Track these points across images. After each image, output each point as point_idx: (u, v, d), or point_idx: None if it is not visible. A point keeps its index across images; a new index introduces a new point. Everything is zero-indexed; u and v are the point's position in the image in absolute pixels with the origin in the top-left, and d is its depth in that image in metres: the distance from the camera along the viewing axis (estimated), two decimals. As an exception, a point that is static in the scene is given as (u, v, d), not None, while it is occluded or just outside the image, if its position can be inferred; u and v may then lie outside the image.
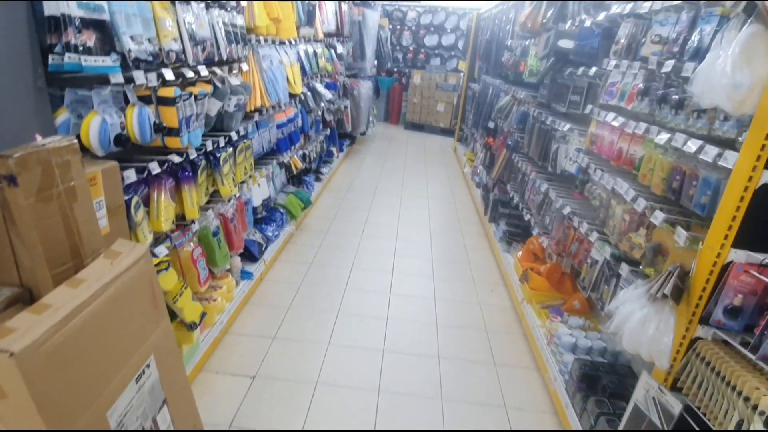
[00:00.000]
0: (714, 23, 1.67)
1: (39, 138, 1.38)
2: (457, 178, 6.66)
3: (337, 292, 3.39)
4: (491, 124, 5.33)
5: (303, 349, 2.74)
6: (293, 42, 3.94)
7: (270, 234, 3.65)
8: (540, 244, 3.35)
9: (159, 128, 1.96)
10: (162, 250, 2.12)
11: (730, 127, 1.51)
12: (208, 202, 2.67)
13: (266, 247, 3.54)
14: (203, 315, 2.35)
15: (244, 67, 2.92)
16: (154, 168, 2.02)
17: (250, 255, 3.33)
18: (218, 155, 2.58)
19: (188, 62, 2.19)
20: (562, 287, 3.13)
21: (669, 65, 1.87)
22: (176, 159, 2.17)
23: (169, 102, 2.00)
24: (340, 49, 5.88)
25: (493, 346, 2.95)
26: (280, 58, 3.58)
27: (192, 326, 2.25)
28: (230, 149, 2.74)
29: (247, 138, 3.03)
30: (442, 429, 2.26)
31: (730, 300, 1.34)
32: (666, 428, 1.51)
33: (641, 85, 2.12)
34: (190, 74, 2.22)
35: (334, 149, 6.17)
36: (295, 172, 4.33)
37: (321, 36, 4.82)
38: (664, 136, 1.85)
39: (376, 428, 2.23)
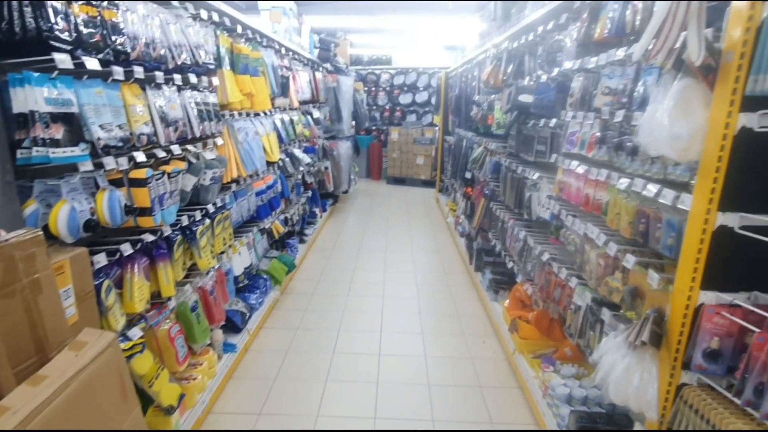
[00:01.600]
0: (655, 75, 1.78)
1: (2, 233, 1.37)
2: (440, 229, 6.71)
3: (325, 358, 3.29)
4: (468, 175, 5.46)
5: (291, 424, 2.61)
6: (268, 113, 4.08)
7: (254, 302, 3.59)
8: (525, 292, 3.34)
9: (130, 210, 1.97)
10: (136, 333, 2.06)
11: (682, 171, 1.57)
12: (186, 276, 2.63)
13: (250, 316, 3.46)
14: (182, 397, 2.24)
15: (219, 141, 2.99)
16: (126, 249, 2.00)
17: (233, 326, 3.25)
18: (195, 229, 2.58)
19: (160, 143, 2.24)
20: (552, 334, 3.08)
21: (620, 115, 1.97)
22: (149, 238, 2.17)
23: (141, 183, 2.03)
24: (316, 114, 6.08)
25: (489, 403, 2.85)
26: (256, 129, 3.68)
27: (169, 410, 2.14)
28: (207, 221, 2.75)
29: (224, 209, 3.05)
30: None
31: (707, 343, 1.33)
32: (667, 484, 1.44)
33: (598, 134, 2.22)
34: (162, 154, 2.26)
35: (317, 210, 6.22)
36: (277, 236, 4.34)
37: (296, 105, 5.00)
38: (624, 182, 1.92)
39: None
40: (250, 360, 3.25)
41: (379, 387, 2.97)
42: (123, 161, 1.96)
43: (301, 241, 5.29)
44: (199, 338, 2.54)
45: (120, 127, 1.95)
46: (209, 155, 2.82)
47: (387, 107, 10.61)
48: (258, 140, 3.64)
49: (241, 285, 3.59)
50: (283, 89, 4.39)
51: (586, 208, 2.36)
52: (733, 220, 1.30)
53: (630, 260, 1.85)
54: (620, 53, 1.99)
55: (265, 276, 3.94)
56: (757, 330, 1.19)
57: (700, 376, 1.39)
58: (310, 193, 5.86)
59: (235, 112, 3.36)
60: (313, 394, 2.88)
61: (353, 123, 8.41)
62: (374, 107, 10.62)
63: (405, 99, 10.46)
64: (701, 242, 1.35)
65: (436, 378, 3.10)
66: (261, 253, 4.13)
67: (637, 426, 1.56)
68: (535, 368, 2.83)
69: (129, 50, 2.01)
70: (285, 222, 4.64)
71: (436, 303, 4.29)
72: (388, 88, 10.55)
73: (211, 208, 2.82)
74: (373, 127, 10.55)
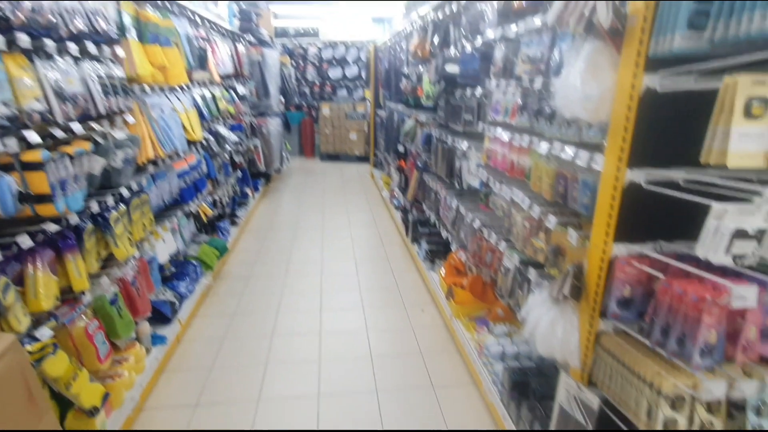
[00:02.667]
0: (569, 41, 1.85)
1: None
2: (377, 204, 6.73)
3: (264, 341, 3.21)
4: (401, 148, 5.48)
5: (231, 412, 2.54)
6: (186, 87, 3.79)
7: (183, 290, 3.40)
8: (459, 259, 3.44)
9: (25, 197, 1.75)
10: (46, 333, 1.87)
11: (595, 133, 1.66)
12: (102, 268, 2.42)
13: (180, 305, 3.28)
14: (106, 396, 2.09)
15: (129, 119, 2.73)
16: (25, 242, 1.79)
17: (161, 317, 3.06)
18: (107, 215, 2.37)
19: (57, 121, 2.00)
20: (486, 297, 3.21)
21: (539, 82, 2.03)
22: (52, 227, 1.95)
23: (36, 167, 1.81)
24: (241, 89, 5.77)
25: (430, 368, 2.94)
26: (173, 106, 3.42)
27: (93, 412, 1.99)
28: (123, 207, 2.53)
29: (142, 193, 2.82)
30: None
31: (620, 292, 1.43)
32: (590, 425, 1.56)
33: (520, 101, 2.29)
34: (61, 134, 2.02)
35: (248, 190, 5.98)
36: (205, 220, 4.11)
37: (217, 79, 4.70)
38: (544, 146, 1.99)
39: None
40: (184, 350, 3.10)
41: (321, 364, 2.96)
42: (11, 142, 1.72)
43: (233, 224, 5.07)
44: (122, 333, 2.36)
45: (5, 103, 1.71)
46: (119, 134, 2.58)
47: (317, 82, 10.31)
48: (176, 117, 3.38)
49: (167, 273, 3.38)
50: (201, 62, 4.10)
51: (511, 173, 2.44)
52: (641, 176, 1.39)
53: (552, 221, 1.94)
54: (537, 21, 2.03)
55: (194, 262, 3.74)
56: (662, 276, 1.30)
57: (616, 323, 1.50)
58: (239, 174, 5.61)
59: (147, 87, 3.08)
60: (253, 378, 2.81)
61: (282, 99, 8.10)
62: (303, 82, 10.29)
63: (335, 73, 10.22)
64: (613, 199, 1.44)
65: (379, 349, 3.14)
66: (188, 238, 3.90)
67: (562, 374, 1.67)
68: (471, 331, 2.95)
69: (10, 15, 1.75)
70: (213, 204, 4.41)
71: (375, 276, 4.32)
72: (316, 63, 10.23)
73: (125, 193, 2.60)
74: (304, 103, 10.25)
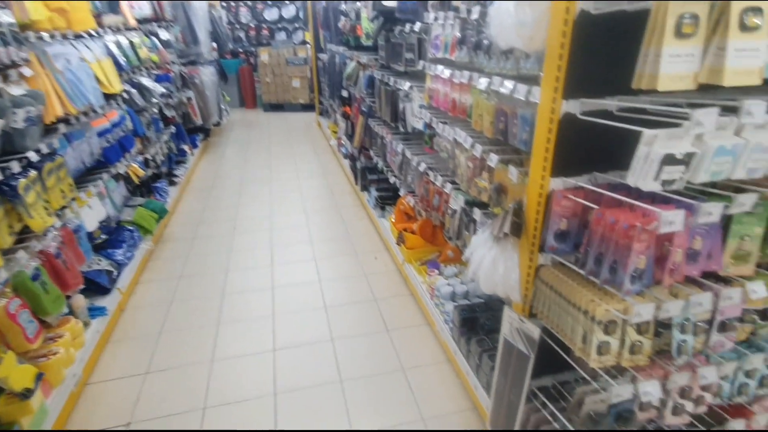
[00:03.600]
0: (505, -35, 1.73)
1: None
2: (325, 153, 6.54)
3: (215, 301, 3.12)
4: (345, 93, 5.25)
5: (183, 375, 2.48)
6: (95, 34, 3.37)
7: (121, 257, 3.20)
8: (408, 204, 3.42)
9: None
10: (-45, 318, 1.69)
11: (531, 64, 1.59)
12: (18, 242, 2.20)
13: (119, 274, 3.10)
14: (39, 376, 1.96)
15: (27, 71, 2.40)
16: None
17: (99, 287, 2.89)
18: (14, 184, 2.12)
19: (-73, 77, 1.71)
20: (436, 240, 3.24)
21: (476, 12, 1.92)
22: (-57, 202, 1.72)
23: None
24: (164, 35, 5.24)
25: (384, 313, 2.98)
26: (81, 55, 3.04)
27: (26, 394, 1.86)
28: (33, 173, 2.27)
29: (55, 156, 2.54)
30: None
31: (557, 225, 1.44)
32: (531, 353, 1.62)
33: (458, 35, 2.17)
34: (-65, 92, 1.74)
35: (186, 147, 5.61)
36: (137, 181, 3.83)
37: (133, 23, 4.22)
38: (484, 81, 1.92)
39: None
40: (129, 319, 2.96)
41: (275, 319, 2.93)
42: None
43: (172, 184, 4.77)
44: (51, 309, 2.20)
45: None
46: (16, 90, 2.27)
47: (252, 25, 9.59)
48: (86, 68, 3.02)
49: (100, 241, 3.16)
50: (111, 4, 3.64)
51: (453, 112, 2.37)
52: (575, 106, 1.35)
53: (493, 159, 1.91)
54: (472, -57, 1.89)
55: (130, 227, 3.51)
56: (596, 207, 1.30)
57: (554, 256, 1.52)
58: (173, 129, 5.22)
59: (46, 34, 2.70)
60: (206, 340, 2.75)
61: (214, 45, 7.50)
62: (237, 26, 9.53)
63: (271, 14, 9.51)
64: (549, 132, 1.41)
65: (333, 299, 3.13)
66: (120, 202, 3.63)
67: (505, 308, 1.71)
68: (423, 274, 2.99)
69: None
70: (146, 164, 4.11)
71: (326, 227, 4.25)
72: (250, 3, 9.46)
73: (34, 157, 2.33)
74: (240, 50, 9.55)
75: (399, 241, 3.32)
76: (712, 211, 1.11)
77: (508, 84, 1.74)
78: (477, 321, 2.32)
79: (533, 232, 1.53)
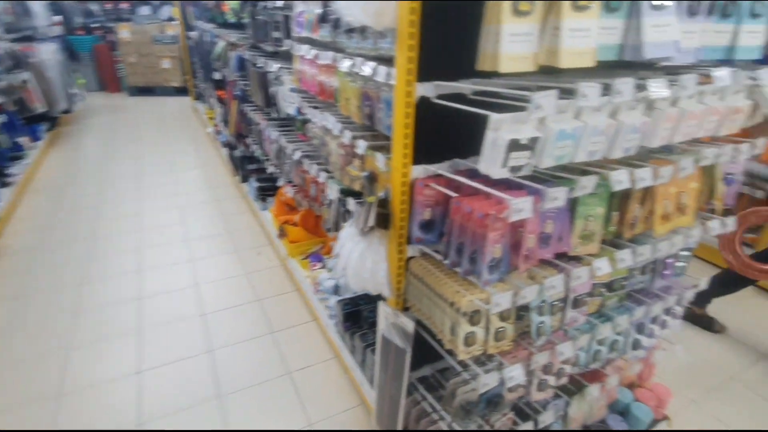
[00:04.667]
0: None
1: None
2: (202, 142, 6.00)
3: (65, 322, 2.66)
4: (217, 75, 4.81)
5: (22, 417, 2.06)
6: None
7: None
8: (288, 194, 3.22)
9: None
10: None
11: (388, 44, 1.49)
12: None
13: (-75, 303, 2.48)
14: None
15: None
16: None
17: None
18: None
19: None
20: (319, 231, 3.10)
21: (333, -15, 1.77)
22: None
23: None
24: (-19, 3, 4.31)
25: (268, 314, 2.78)
26: None
27: None
28: None
29: None
30: (221, 431, 2.02)
31: (421, 216, 1.38)
32: (408, 347, 1.57)
33: (320, 11, 2.01)
34: None
35: (22, 140, 4.73)
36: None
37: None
38: (346, 63, 1.79)
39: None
40: (-58, 357, 2.40)
41: (142, 335, 2.58)
42: None
43: (4, 185, 3.99)
44: None
45: None
46: None
47: (107, -3, 8.41)
48: None
49: None
50: None
51: (322, 96, 2.22)
52: (430, 89, 1.28)
53: (361, 146, 1.80)
54: None
55: (-59, 242, 2.84)
56: (455, 195, 1.25)
57: (421, 247, 1.47)
58: (3, 119, 4.35)
59: None
60: (50, 371, 2.32)
61: (57, 18, 6.41)
62: (88, -3, 8.29)
63: (130, -14, 8.42)
64: (407, 117, 1.32)
65: (211, 305, 2.85)
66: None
67: (379, 303, 1.63)
68: (306, 268, 2.84)
69: None
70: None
71: (204, 224, 3.87)
72: (102, -29, 8.26)
73: None
74: (94, 24, 8.32)
75: (280, 234, 3.12)
76: (558, 196, 1.11)
77: (369, 66, 1.63)
78: (360, 314, 2.25)
79: (400, 224, 1.46)
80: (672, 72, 1.46)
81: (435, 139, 1.40)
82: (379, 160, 1.69)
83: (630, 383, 2.04)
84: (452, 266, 1.24)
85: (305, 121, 2.59)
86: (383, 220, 1.47)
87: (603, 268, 1.31)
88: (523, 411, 1.68)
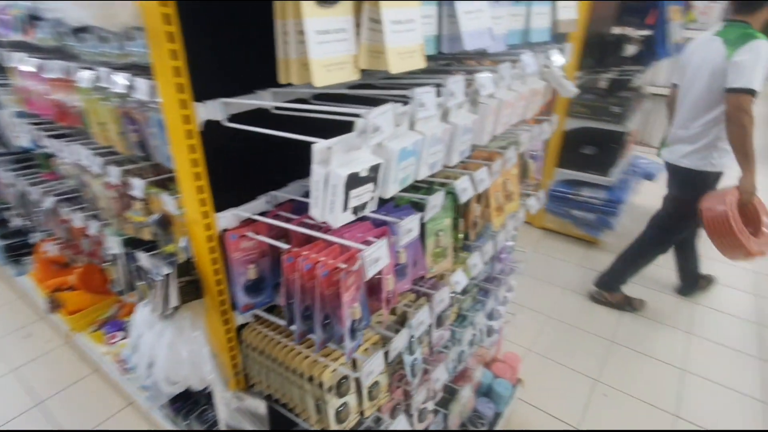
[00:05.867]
0: None
1: None
2: None
3: None
4: None
5: None
6: None
7: None
8: (52, 251, 2.41)
9: None
10: None
11: (141, 47, 1.06)
12: None
13: None
14: None
15: None
16: None
17: None
18: None
19: None
20: (108, 287, 2.40)
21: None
22: None
23: None
24: None
25: (59, 416, 2.04)
26: None
27: None
28: None
29: None
30: None
31: (244, 276, 1.03)
32: (265, 428, 1.23)
33: (29, 5, 1.40)
34: None
35: None
36: None
37: None
38: (86, 75, 1.27)
39: None
40: None
41: None
42: None
43: None
44: None
45: None
46: None
47: None
48: None
49: None
50: None
51: (64, 121, 1.61)
52: (217, 110, 0.93)
53: (137, 186, 1.33)
54: None
55: None
56: (285, 246, 0.95)
57: (253, 311, 1.13)
58: None
59: None
60: None
61: None
62: None
63: None
64: (192, 151, 0.95)
65: (-45, 439, 1.96)
66: None
67: (215, 392, 1.24)
68: (102, 341, 2.17)
69: None
70: None
71: None
72: None
73: None
74: None
75: (52, 307, 2.32)
76: (412, 227, 0.91)
77: (121, 78, 1.16)
78: (189, 391, 1.77)
79: (217, 288, 1.08)
80: (467, 61, 1.41)
81: (240, 171, 1.05)
82: (167, 203, 1.26)
83: (486, 362, 2.09)
84: (301, 337, 0.95)
85: (49, 156, 1.90)
86: (192, 290, 1.07)
87: (461, 282, 1.20)
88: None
